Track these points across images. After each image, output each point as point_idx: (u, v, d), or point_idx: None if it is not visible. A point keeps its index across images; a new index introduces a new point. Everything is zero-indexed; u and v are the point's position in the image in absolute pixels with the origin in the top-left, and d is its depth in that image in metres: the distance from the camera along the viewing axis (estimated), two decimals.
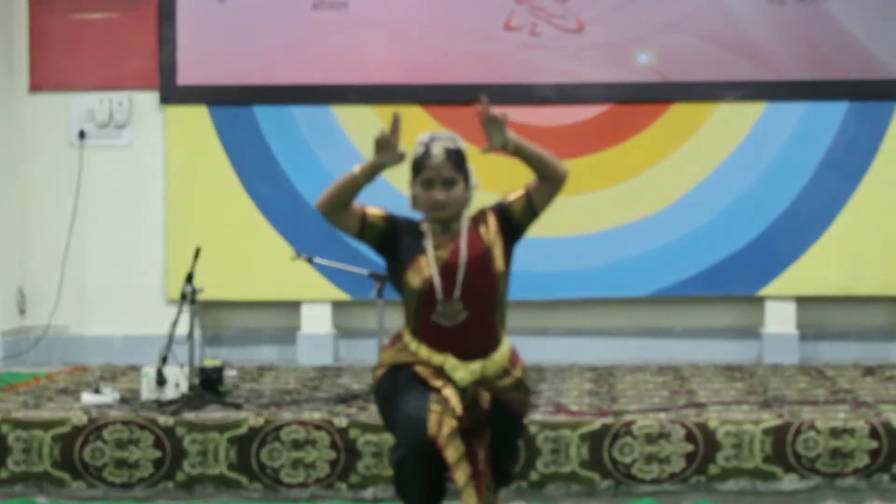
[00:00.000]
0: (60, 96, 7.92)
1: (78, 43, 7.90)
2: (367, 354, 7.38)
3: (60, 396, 6.16)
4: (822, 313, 7.79)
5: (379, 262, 7.14)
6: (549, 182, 4.07)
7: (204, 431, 5.39)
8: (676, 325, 7.87)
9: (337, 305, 7.83)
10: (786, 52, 7.61)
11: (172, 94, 7.82)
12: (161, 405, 5.68)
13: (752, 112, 7.65)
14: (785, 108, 7.64)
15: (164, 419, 5.43)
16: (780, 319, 7.67)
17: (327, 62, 7.73)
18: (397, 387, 4.10)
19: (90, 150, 7.90)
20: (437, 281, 4.04)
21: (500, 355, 4.12)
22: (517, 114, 7.56)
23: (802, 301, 7.70)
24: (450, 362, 4.07)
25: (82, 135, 7.89)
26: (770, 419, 5.30)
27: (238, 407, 5.69)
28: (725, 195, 7.67)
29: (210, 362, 6.14)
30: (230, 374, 6.73)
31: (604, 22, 7.66)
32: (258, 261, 7.73)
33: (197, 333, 6.15)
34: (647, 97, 7.68)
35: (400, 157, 4.03)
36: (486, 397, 4.10)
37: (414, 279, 4.08)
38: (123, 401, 5.88)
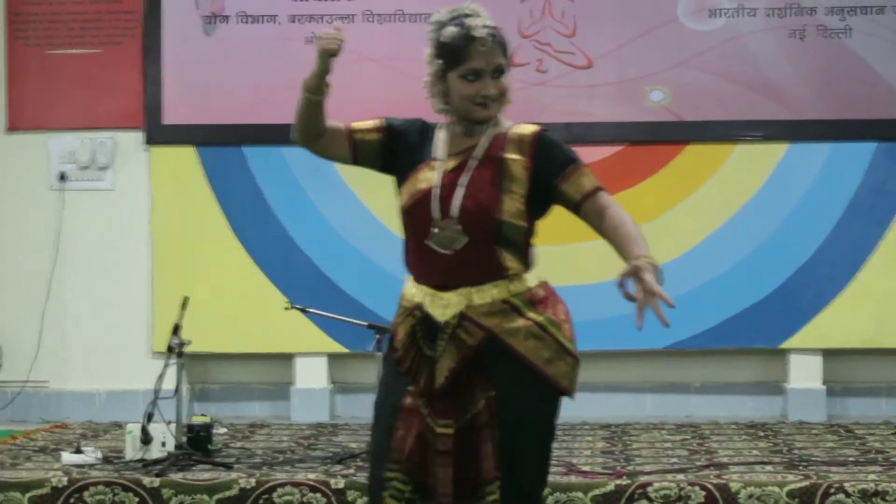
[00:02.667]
0: (39, 136, 7.94)
1: (58, 80, 7.93)
2: (365, 411, 7.28)
3: (39, 456, 6.17)
4: (851, 367, 7.76)
5: (377, 312, 7.33)
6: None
7: (192, 493, 5.39)
8: (695, 379, 7.86)
9: (333, 358, 7.82)
10: (808, 90, 7.65)
11: (158, 133, 7.85)
12: (146, 465, 5.69)
13: (772, 153, 7.66)
14: (808, 150, 7.65)
15: (150, 480, 5.44)
16: (805, 374, 7.65)
17: None
18: (378, 397, 3.61)
19: (71, 193, 7.92)
20: (436, 193, 3.47)
21: (501, 287, 3.46)
22: None
23: (829, 354, 7.69)
24: (429, 297, 3.48)
25: (62, 177, 7.92)
26: (796, 481, 5.30)
27: (228, 467, 5.69)
28: (745, 242, 7.68)
29: (198, 419, 6.15)
30: (219, 431, 6.73)
31: (615, 58, 7.70)
32: (249, 311, 7.73)
33: (184, 388, 6.15)
34: (661, 138, 7.70)
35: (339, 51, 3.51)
36: (475, 334, 3.43)
37: (407, 192, 3.53)
38: (106, 460, 5.89)
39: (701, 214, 7.71)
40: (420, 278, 3.52)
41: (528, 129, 3.54)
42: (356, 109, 7.60)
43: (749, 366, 7.82)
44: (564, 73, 7.70)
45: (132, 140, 7.91)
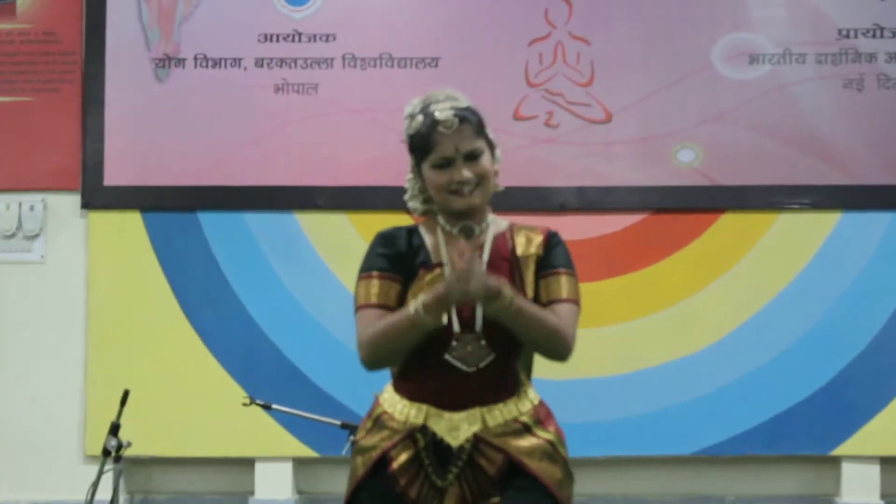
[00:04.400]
0: None
1: None
2: None
3: None
4: None
5: (353, 409, 7.18)
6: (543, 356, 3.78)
7: None
8: (728, 492, 7.75)
9: (300, 464, 7.71)
10: (865, 150, 7.57)
11: (98, 196, 7.74)
12: None
13: (822, 224, 7.59)
14: (865, 220, 7.58)
15: None
16: (860, 486, 7.55)
17: (292, 158, 7.67)
18: None
19: None
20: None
21: (511, 405, 3.75)
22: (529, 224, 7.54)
23: (889, 462, 7.58)
24: (434, 418, 3.70)
25: None
26: None
27: None
28: (790, 328, 7.58)
29: None
30: None
31: (638, 111, 7.62)
32: (201, 407, 7.60)
33: (122, 499, 6.06)
34: (691, 205, 7.63)
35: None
36: (495, 459, 3.69)
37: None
38: None
39: (737, 296, 7.60)
40: (418, 397, 3.71)
41: (537, 229, 3.85)
42: (335, 170, 7.64)
43: (794, 476, 7.71)
44: (578, 128, 7.62)
45: (67, 204, 7.81)
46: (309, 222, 7.71)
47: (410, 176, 3.85)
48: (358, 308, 3.74)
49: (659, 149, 7.63)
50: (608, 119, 7.65)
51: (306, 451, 7.62)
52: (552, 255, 3.76)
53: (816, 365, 7.57)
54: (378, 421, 3.74)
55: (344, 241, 7.57)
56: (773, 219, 7.62)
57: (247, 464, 7.70)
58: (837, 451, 7.56)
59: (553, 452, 3.73)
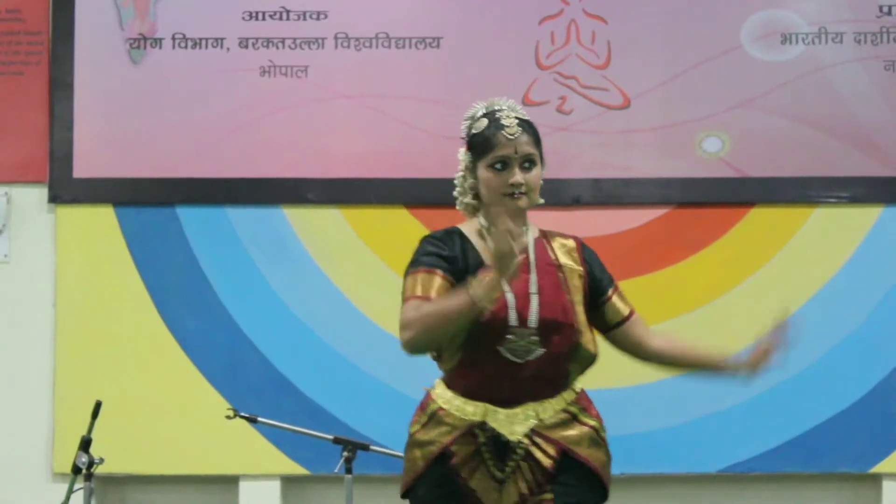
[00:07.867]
0: None
1: None
2: None
3: None
4: None
5: (346, 422, 7.20)
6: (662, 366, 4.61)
7: None
8: None
9: (289, 482, 7.69)
10: None
11: (67, 189, 7.74)
12: None
13: (862, 219, 7.59)
14: None
15: None
16: None
17: (279, 148, 7.66)
18: None
19: None
20: (512, 301, 4.21)
21: (559, 398, 4.29)
22: (541, 220, 7.51)
23: None
24: (491, 414, 4.21)
25: None
26: None
27: None
28: (826, 333, 7.55)
29: None
30: None
31: (659, 95, 7.62)
32: (180, 420, 7.59)
33: None
34: (718, 198, 7.63)
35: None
36: (549, 452, 4.24)
37: None
38: None
39: (768, 298, 7.51)
40: (473, 394, 4.23)
41: (567, 236, 4.47)
42: (327, 160, 7.63)
43: (830, 496, 7.69)
44: (594, 114, 7.63)
45: (33, 197, 7.81)
46: (298, 218, 7.68)
47: (461, 173, 4.38)
48: (405, 300, 4.18)
49: (682, 137, 7.63)
50: (626, 104, 7.65)
51: (296, 469, 7.61)
52: (603, 272, 4.43)
53: (855, 374, 7.57)
54: (434, 417, 4.26)
55: (337, 238, 7.58)
56: (807, 213, 7.62)
57: (230, 482, 7.68)
58: (878, 469, 7.55)
59: (597, 437, 4.30)
